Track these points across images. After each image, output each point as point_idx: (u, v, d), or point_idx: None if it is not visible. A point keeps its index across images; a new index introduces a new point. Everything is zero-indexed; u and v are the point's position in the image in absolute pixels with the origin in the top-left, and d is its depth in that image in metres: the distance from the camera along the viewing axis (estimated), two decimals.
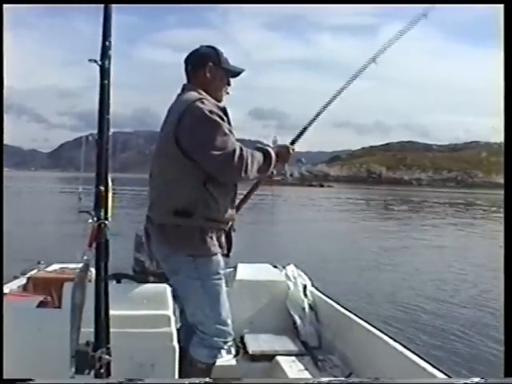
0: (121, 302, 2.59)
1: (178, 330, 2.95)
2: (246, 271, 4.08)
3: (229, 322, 2.84)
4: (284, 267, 4.25)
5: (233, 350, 3.58)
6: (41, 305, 3.23)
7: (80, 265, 1.90)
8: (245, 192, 3.18)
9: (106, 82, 1.86)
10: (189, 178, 2.68)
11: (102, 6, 1.91)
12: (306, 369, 3.31)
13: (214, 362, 2.88)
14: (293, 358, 3.46)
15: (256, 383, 2.39)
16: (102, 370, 1.83)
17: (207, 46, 2.96)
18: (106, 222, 1.86)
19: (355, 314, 3.57)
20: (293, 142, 3.13)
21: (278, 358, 3.45)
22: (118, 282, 3.27)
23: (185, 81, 2.95)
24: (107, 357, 1.86)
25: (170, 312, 2.90)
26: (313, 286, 4.17)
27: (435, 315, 8.76)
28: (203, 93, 2.79)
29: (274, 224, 25.98)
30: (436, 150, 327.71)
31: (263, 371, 3.43)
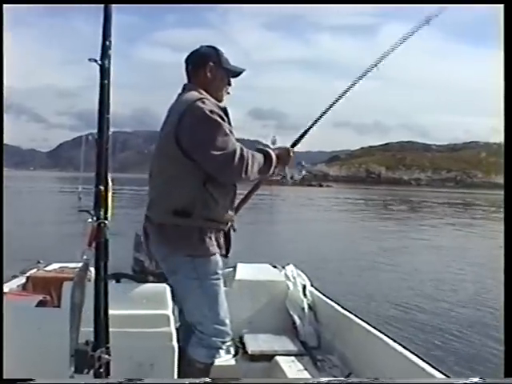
0: (120, 302, 2.59)
1: (176, 329, 2.95)
2: (245, 271, 4.08)
3: (227, 321, 2.84)
4: (283, 267, 4.25)
5: (232, 350, 3.58)
6: (40, 304, 3.22)
7: (79, 264, 1.90)
8: (244, 192, 3.19)
9: (105, 81, 1.86)
10: (189, 178, 2.68)
11: (102, 5, 1.91)
12: (306, 369, 3.31)
13: (213, 362, 2.88)
14: (292, 358, 3.46)
15: (255, 383, 2.39)
16: (102, 370, 1.83)
17: (208, 46, 2.96)
18: (106, 222, 1.86)
19: (354, 314, 3.58)
20: (293, 145, 3.13)
21: (278, 358, 3.45)
22: (118, 281, 3.27)
23: (185, 80, 2.95)
24: (106, 356, 1.86)
25: (169, 312, 2.91)
26: (312, 286, 4.18)
27: (434, 315, 8.77)
28: (204, 93, 2.79)
29: (273, 224, 26.02)
30: (435, 150, 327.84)
31: (262, 371, 3.43)
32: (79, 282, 1.88)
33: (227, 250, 2.93)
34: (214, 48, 2.95)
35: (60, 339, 1.87)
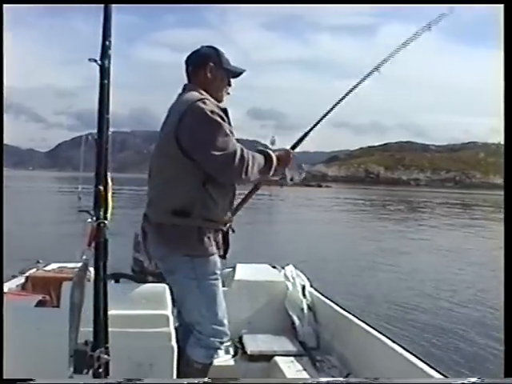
0: (119, 302, 2.59)
1: (175, 329, 2.95)
2: (244, 271, 4.08)
3: (225, 322, 2.84)
4: (283, 267, 4.25)
5: (231, 350, 3.59)
6: (39, 304, 3.22)
7: (79, 264, 1.90)
8: (243, 193, 3.18)
9: (105, 81, 1.86)
10: (188, 178, 2.68)
11: (101, 5, 1.91)
12: (305, 369, 3.32)
13: (211, 362, 2.88)
14: (291, 358, 3.46)
15: (254, 383, 2.39)
16: (101, 370, 1.83)
17: (208, 47, 2.95)
18: (106, 222, 1.86)
19: (353, 315, 3.58)
20: (293, 147, 3.12)
21: (277, 358, 3.45)
22: (117, 281, 3.27)
23: (184, 80, 2.95)
24: (106, 356, 1.86)
25: (168, 312, 2.91)
26: (311, 286, 4.18)
27: (434, 315, 8.77)
28: (204, 93, 2.79)
29: (272, 224, 26.02)
30: (434, 150, 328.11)
31: (261, 371, 3.43)
32: (79, 282, 1.88)
33: (225, 251, 2.93)
34: (214, 48, 2.94)
35: (59, 339, 1.87)
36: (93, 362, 1.82)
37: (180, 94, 2.88)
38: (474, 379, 1.33)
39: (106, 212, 1.87)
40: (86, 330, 1.86)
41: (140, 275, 3.25)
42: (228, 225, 2.92)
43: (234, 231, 2.96)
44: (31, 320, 2.87)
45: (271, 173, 2.88)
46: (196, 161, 2.65)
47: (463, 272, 13.13)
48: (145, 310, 2.88)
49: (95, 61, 1.85)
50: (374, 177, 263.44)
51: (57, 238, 15.03)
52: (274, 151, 2.93)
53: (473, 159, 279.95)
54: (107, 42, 1.88)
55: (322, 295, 4.05)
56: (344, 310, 3.70)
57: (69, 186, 55.87)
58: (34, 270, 4.30)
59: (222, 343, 2.88)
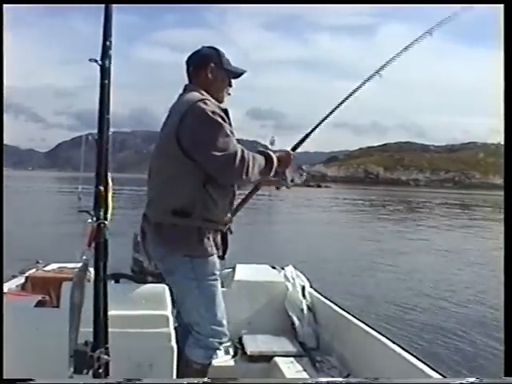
0: (119, 302, 2.59)
1: (174, 329, 2.95)
2: (244, 272, 4.08)
3: (224, 322, 2.84)
4: (282, 268, 4.25)
5: (231, 351, 3.59)
6: (39, 304, 3.22)
7: (79, 264, 1.90)
8: (243, 194, 3.18)
9: (106, 81, 1.86)
10: (189, 178, 2.68)
11: (101, 5, 1.91)
12: (304, 370, 3.32)
13: (210, 363, 2.88)
14: (291, 358, 3.46)
15: None
16: (101, 370, 1.83)
17: (209, 47, 2.95)
18: (106, 222, 1.86)
19: (353, 315, 3.58)
20: (294, 149, 3.12)
21: (276, 358, 3.45)
22: (117, 281, 3.27)
23: (183, 80, 2.94)
24: (106, 357, 1.86)
25: (168, 312, 2.90)
26: (311, 287, 4.17)
27: (433, 315, 8.77)
28: (205, 93, 2.79)
29: (272, 224, 26.02)
30: (433, 150, 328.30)
31: (261, 372, 3.43)
32: (79, 283, 1.87)
33: (224, 252, 2.93)
34: (215, 49, 2.94)
35: (59, 339, 1.87)
36: (93, 363, 1.82)
37: (181, 95, 2.88)
38: (472, 379, 1.33)
39: (106, 212, 1.87)
40: (86, 331, 1.86)
41: (140, 275, 3.25)
42: (227, 225, 2.92)
43: (231, 232, 2.96)
44: (31, 320, 2.87)
45: (271, 174, 2.88)
46: (196, 161, 2.64)
47: (462, 272, 13.14)
48: (145, 310, 2.87)
49: (96, 61, 1.85)
50: (374, 177, 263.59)
51: (56, 238, 15.02)
52: (274, 152, 2.93)
53: (472, 159, 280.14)
54: (108, 42, 1.88)
55: (322, 296, 4.05)
56: (344, 310, 3.70)
57: (69, 186, 55.87)
58: (34, 270, 4.29)
59: (220, 343, 2.88)
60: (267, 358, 3.50)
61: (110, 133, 1.89)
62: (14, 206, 22.82)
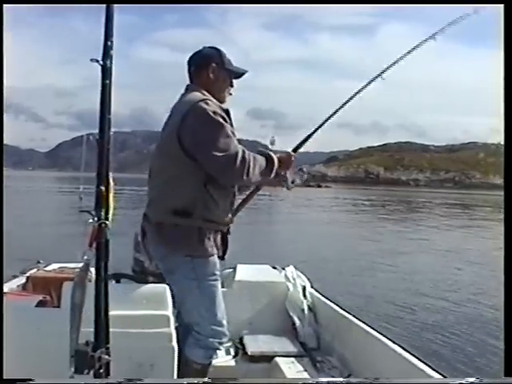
0: (120, 302, 2.58)
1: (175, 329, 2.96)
2: (245, 272, 4.08)
3: (224, 322, 2.84)
4: (283, 268, 4.25)
5: (232, 351, 3.58)
6: (40, 304, 3.22)
7: (79, 264, 1.90)
8: (243, 195, 3.18)
9: (107, 81, 1.85)
10: (190, 178, 2.68)
11: (102, 5, 1.91)
12: (305, 370, 3.32)
13: (210, 363, 2.89)
14: (292, 359, 3.46)
15: None
16: (102, 370, 1.83)
17: (210, 47, 2.96)
18: (107, 222, 1.86)
19: (354, 316, 3.58)
20: (295, 150, 3.12)
21: (277, 359, 3.45)
22: (118, 282, 3.27)
23: (184, 80, 2.95)
24: (106, 357, 1.86)
25: (169, 312, 2.90)
26: (312, 287, 4.18)
27: (433, 314, 8.77)
28: (207, 93, 2.79)
29: (272, 224, 26.01)
30: (433, 150, 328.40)
31: (262, 372, 3.43)
32: (80, 283, 1.87)
33: (224, 252, 2.93)
34: (216, 49, 2.95)
35: (60, 339, 1.87)
36: (94, 363, 1.81)
37: (182, 95, 2.88)
38: (472, 379, 1.33)
39: (107, 212, 1.87)
40: (87, 331, 1.86)
41: (141, 275, 3.25)
42: (228, 226, 2.92)
43: (229, 233, 2.96)
44: (32, 320, 2.86)
45: (272, 175, 2.88)
46: (197, 161, 2.65)
47: (462, 272, 13.14)
48: (145, 310, 2.87)
49: (97, 61, 1.85)
50: (374, 177, 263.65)
51: (57, 239, 15.01)
52: (275, 153, 2.93)
53: (472, 159, 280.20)
54: (109, 43, 1.87)
55: (323, 296, 4.05)
56: (344, 310, 3.71)
57: (69, 186, 55.86)
58: (35, 270, 4.30)
59: (220, 344, 2.88)
60: (268, 358, 3.51)
61: (111, 133, 1.89)
62: (14, 205, 22.84)
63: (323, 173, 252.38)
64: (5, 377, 2.05)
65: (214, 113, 2.64)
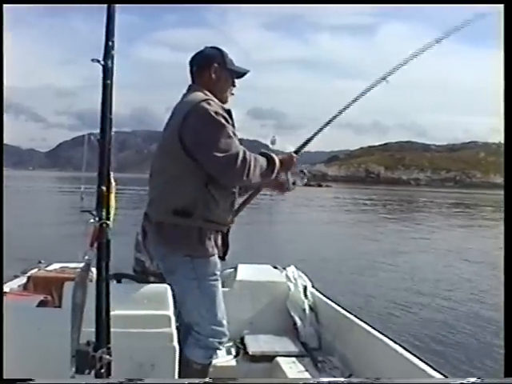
0: (121, 302, 2.58)
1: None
2: (246, 272, 4.08)
3: (224, 322, 2.85)
4: (284, 268, 4.25)
5: (233, 351, 3.59)
6: (41, 304, 3.21)
7: (80, 264, 1.90)
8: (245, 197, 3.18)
9: (108, 81, 1.85)
10: (191, 178, 2.68)
11: (102, 5, 1.91)
12: (306, 370, 3.32)
13: (210, 363, 2.89)
14: (293, 359, 3.46)
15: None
16: (103, 370, 1.83)
17: (212, 47, 2.96)
18: (108, 222, 1.86)
19: (355, 316, 3.58)
20: (296, 152, 3.11)
21: (278, 358, 3.45)
22: (119, 281, 3.27)
23: (184, 80, 2.96)
24: (108, 357, 1.85)
25: (170, 312, 2.90)
26: (313, 287, 4.17)
27: (433, 314, 8.78)
28: (209, 94, 2.79)
29: (273, 224, 26.00)
30: (434, 150, 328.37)
31: (263, 372, 3.43)
32: (81, 283, 1.87)
33: (224, 253, 2.94)
34: (218, 49, 2.95)
35: (61, 339, 1.86)
36: (95, 363, 1.81)
37: (184, 95, 2.88)
38: (473, 379, 1.33)
39: (108, 212, 1.87)
40: (88, 331, 1.86)
41: (142, 275, 3.25)
42: (228, 226, 2.92)
43: (229, 233, 2.97)
44: (33, 320, 2.86)
45: (273, 176, 2.87)
46: (198, 161, 2.65)
47: (463, 271, 13.15)
48: (146, 310, 2.87)
49: (98, 61, 1.85)
50: (375, 176, 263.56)
51: (58, 239, 15.01)
52: (277, 154, 2.93)
53: (473, 159, 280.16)
54: (110, 43, 1.87)
55: (324, 296, 4.05)
56: (346, 310, 3.71)
57: (69, 185, 55.84)
58: (36, 270, 4.30)
59: (220, 343, 2.88)
60: (269, 358, 3.51)
61: (112, 133, 1.89)
62: (14, 205, 22.84)
63: (324, 172, 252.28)
64: (5, 377, 2.05)
65: (216, 113, 2.64)
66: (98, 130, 1.87)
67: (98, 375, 1.81)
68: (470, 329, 7.88)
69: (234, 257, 3.11)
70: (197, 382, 2.16)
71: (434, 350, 6.69)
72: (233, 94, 2.98)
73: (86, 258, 1.86)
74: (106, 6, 1.90)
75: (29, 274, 4.13)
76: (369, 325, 3.38)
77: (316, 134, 3.20)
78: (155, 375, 2.72)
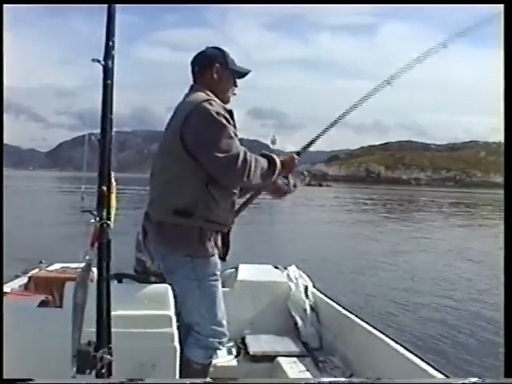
0: (122, 302, 2.58)
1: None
2: (247, 272, 4.08)
3: (224, 322, 2.85)
4: (285, 268, 4.25)
5: (234, 351, 3.59)
6: (42, 304, 3.21)
7: (81, 264, 1.90)
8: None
9: (109, 81, 1.85)
10: (191, 178, 2.68)
11: (102, 5, 1.91)
12: (307, 370, 3.32)
13: (210, 363, 2.89)
14: (294, 358, 3.46)
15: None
16: (104, 370, 1.82)
17: (213, 47, 2.96)
18: (109, 222, 1.86)
19: (356, 315, 3.58)
20: (298, 154, 3.09)
21: (279, 358, 3.45)
22: (120, 281, 3.27)
23: (184, 80, 2.96)
24: (108, 357, 1.85)
25: (171, 312, 2.90)
26: (314, 287, 4.17)
27: (434, 312, 8.78)
28: (210, 94, 2.79)
29: (273, 224, 25.99)
30: (434, 149, 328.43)
31: (264, 372, 3.43)
32: (82, 283, 1.87)
33: (225, 253, 2.93)
34: (220, 49, 2.94)
35: (62, 339, 1.86)
36: (96, 363, 1.81)
37: (186, 95, 2.88)
38: (474, 379, 1.33)
39: (109, 212, 1.87)
40: (89, 331, 1.85)
41: (143, 275, 3.24)
42: (229, 227, 2.92)
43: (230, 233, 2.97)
44: (34, 320, 2.86)
45: (274, 177, 2.86)
46: (199, 161, 2.65)
47: (463, 271, 13.15)
48: (147, 310, 2.87)
49: (99, 61, 1.84)
50: (375, 176, 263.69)
51: (59, 239, 15.01)
52: (278, 155, 2.92)
53: (473, 158, 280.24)
54: (110, 43, 1.87)
55: (325, 296, 4.05)
56: (347, 310, 3.70)
57: (70, 185, 55.82)
58: (37, 270, 4.30)
59: (220, 343, 2.88)
60: (270, 358, 3.51)
61: (113, 133, 1.88)
62: (15, 205, 22.84)
63: (324, 172, 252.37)
64: (5, 377, 2.05)
65: (217, 113, 2.64)
66: (98, 130, 1.86)
67: (98, 375, 1.80)
68: (470, 328, 7.88)
69: (234, 257, 3.11)
70: (198, 382, 2.16)
71: (434, 349, 6.68)
72: (235, 94, 2.98)
73: (87, 258, 1.86)
74: (106, 6, 1.90)
75: (30, 274, 4.13)
76: (370, 325, 3.37)
77: (318, 136, 3.18)
78: (156, 375, 2.72)
